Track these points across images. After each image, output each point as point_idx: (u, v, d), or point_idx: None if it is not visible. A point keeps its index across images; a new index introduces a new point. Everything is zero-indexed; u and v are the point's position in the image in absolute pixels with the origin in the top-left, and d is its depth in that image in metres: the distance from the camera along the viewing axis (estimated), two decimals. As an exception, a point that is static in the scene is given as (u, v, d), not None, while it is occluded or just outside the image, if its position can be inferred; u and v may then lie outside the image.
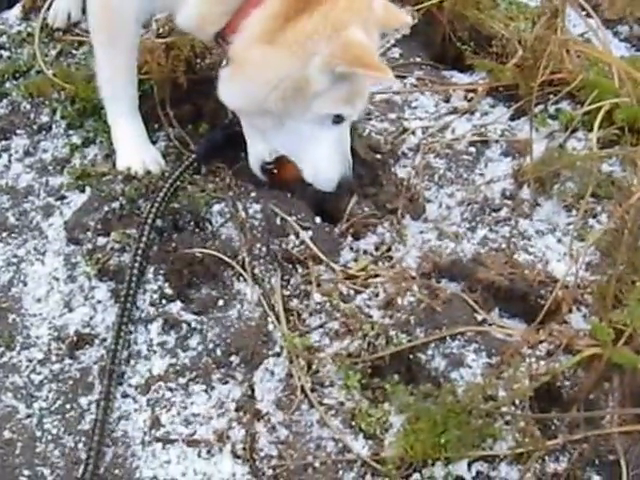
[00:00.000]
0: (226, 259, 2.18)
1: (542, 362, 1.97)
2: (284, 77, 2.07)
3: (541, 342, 2.00)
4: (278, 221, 2.24)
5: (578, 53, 2.57)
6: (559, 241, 2.25)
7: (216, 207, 2.27)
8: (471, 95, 2.64)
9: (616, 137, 2.47)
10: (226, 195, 2.28)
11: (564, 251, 2.21)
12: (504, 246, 2.22)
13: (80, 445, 1.95)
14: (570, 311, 2.07)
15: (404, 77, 2.67)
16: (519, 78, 2.53)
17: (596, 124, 2.42)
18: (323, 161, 2.21)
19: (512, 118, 2.56)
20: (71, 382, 2.06)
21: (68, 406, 2.02)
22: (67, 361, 2.10)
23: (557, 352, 1.98)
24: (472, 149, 2.46)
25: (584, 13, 3.44)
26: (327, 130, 2.18)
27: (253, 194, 2.28)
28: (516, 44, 2.65)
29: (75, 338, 2.13)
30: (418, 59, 2.76)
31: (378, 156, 2.44)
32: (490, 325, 2.08)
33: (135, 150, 2.44)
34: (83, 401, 2.05)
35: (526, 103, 2.50)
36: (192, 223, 2.27)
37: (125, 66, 2.41)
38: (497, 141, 2.48)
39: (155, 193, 2.26)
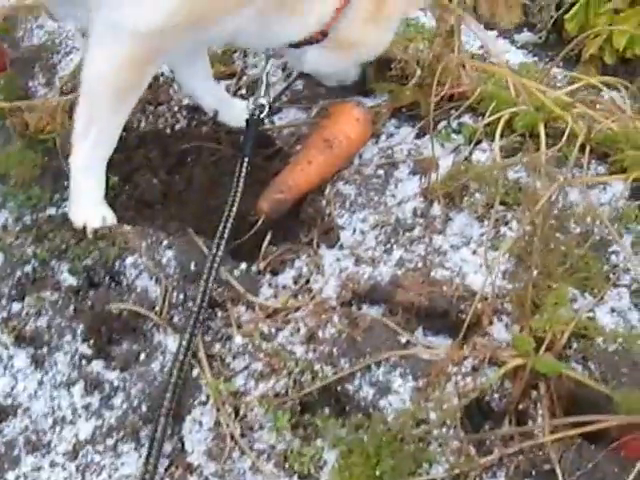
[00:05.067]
0: (143, 312, 2.01)
1: (469, 378, 1.83)
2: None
3: (465, 358, 1.86)
4: (192, 266, 2.07)
5: (474, 68, 2.43)
6: (474, 253, 2.11)
7: (129, 259, 2.09)
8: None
9: (519, 144, 2.36)
10: (137, 246, 2.11)
11: (480, 262, 2.07)
12: (421, 265, 2.08)
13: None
14: (491, 323, 1.93)
15: (309, 108, 2.52)
16: (419, 97, 2.40)
17: (497, 134, 2.30)
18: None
19: (417, 137, 2.42)
20: (-5, 458, 1.87)
21: (-7, 484, 1.83)
22: (-11, 436, 1.91)
23: (482, 366, 1.83)
24: (381, 172, 2.31)
25: (482, 26, 3.43)
26: None
27: (165, 242, 2.11)
28: (414, 65, 2.52)
29: (-4, 411, 1.94)
30: (322, 90, 2.59)
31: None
32: (414, 346, 1.94)
33: (95, 203, 2.21)
34: (10, 477, 1.85)
35: (429, 121, 2.37)
36: (107, 278, 2.10)
37: (123, 123, 2.17)
38: (404, 161, 2.34)
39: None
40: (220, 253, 2.02)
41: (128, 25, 1.97)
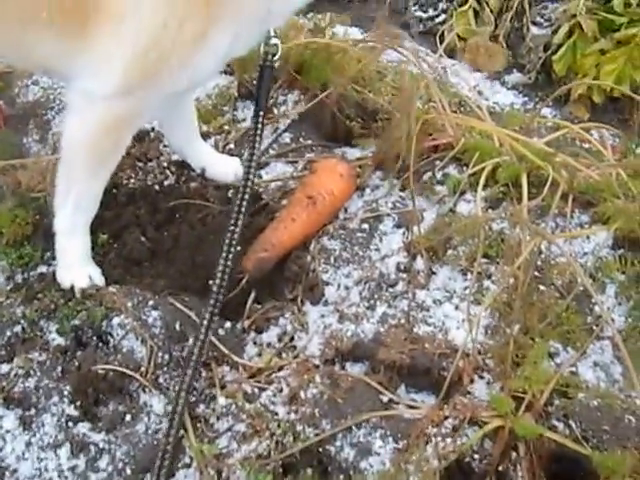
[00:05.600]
0: (129, 372, 2.01)
1: (449, 439, 1.82)
2: None
3: (446, 418, 1.85)
4: (178, 326, 2.08)
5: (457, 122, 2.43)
6: (456, 308, 2.11)
7: (115, 320, 2.09)
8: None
9: (502, 194, 2.36)
10: (124, 306, 2.11)
11: (462, 317, 2.07)
12: (403, 321, 2.07)
13: None
14: (472, 381, 1.93)
15: (295, 162, 2.53)
16: (403, 149, 2.41)
17: (480, 185, 2.31)
18: None
19: (402, 189, 2.42)
20: (-17, 522, 1.88)
21: None
22: (-23, 500, 1.92)
23: (462, 426, 1.83)
24: (365, 226, 2.32)
25: (472, 68, 3.44)
26: None
27: (151, 302, 2.11)
28: (399, 116, 2.51)
29: (-17, 474, 1.95)
30: (309, 141, 2.63)
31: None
32: (396, 404, 1.93)
33: (81, 264, 2.22)
34: (-3, 539, 1.86)
35: (415, 173, 2.37)
36: (94, 338, 2.11)
37: (103, 186, 2.16)
38: (389, 214, 2.34)
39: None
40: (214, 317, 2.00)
41: (94, 91, 1.98)
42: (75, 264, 2.21)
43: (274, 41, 2.23)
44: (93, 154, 2.07)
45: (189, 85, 2.09)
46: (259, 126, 2.21)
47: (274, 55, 2.25)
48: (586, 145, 2.72)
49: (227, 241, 2.04)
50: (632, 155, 2.76)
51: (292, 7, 2.12)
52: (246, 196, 2.09)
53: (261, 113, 2.23)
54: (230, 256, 2.03)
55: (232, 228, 2.08)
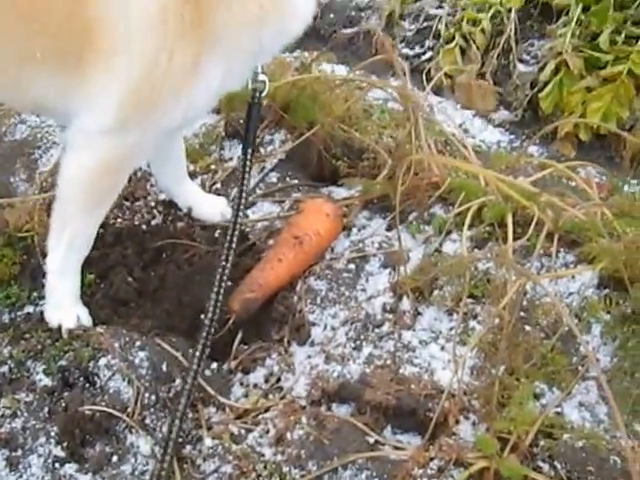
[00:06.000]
0: (116, 413, 2.04)
1: (435, 480, 1.86)
2: None
3: (432, 459, 1.89)
4: (164, 367, 2.11)
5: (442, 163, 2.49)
6: (442, 348, 2.15)
7: (102, 360, 2.12)
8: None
9: (488, 234, 2.42)
10: (111, 346, 2.15)
11: (448, 358, 2.11)
12: (389, 362, 2.12)
13: None
14: (457, 422, 1.97)
15: (282, 201, 2.58)
16: (390, 189, 2.47)
17: (466, 225, 2.36)
18: None
19: (389, 228, 2.48)
20: None
21: None
22: None
23: (448, 467, 1.86)
24: (352, 266, 2.37)
25: (459, 106, 3.52)
26: None
27: (138, 343, 2.15)
28: (385, 155, 2.59)
29: (-30, 517, 1.97)
30: (296, 180, 2.68)
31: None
32: (382, 445, 1.97)
33: (70, 304, 2.25)
34: None
35: (401, 213, 2.43)
36: (81, 379, 2.14)
37: (97, 226, 2.21)
38: (375, 255, 2.39)
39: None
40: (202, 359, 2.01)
41: (91, 128, 2.03)
42: (64, 304, 2.24)
43: (262, 78, 2.27)
44: (91, 193, 2.11)
45: (183, 121, 2.12)
46: (248, 163, 2.25)
47: (261, 92, 2.29)
48: (573, 183, 2.79)
49: (217, 283, 2.08)
50: (619, 193, 2.84)
51: (281, 43, 2.16)
52: (236, 232, 2.14)
53: (249, 151, 2.27)
54: (220, 297, 2.07)
55: (223, 264, 2.11)
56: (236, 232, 2.10)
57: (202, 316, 2.08)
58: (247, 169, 2.25)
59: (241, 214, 2.23)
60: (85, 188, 2.12)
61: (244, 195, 2.21)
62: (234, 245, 2.09)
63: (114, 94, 1.99)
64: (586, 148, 3.24)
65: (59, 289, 2.25)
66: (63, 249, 2.18)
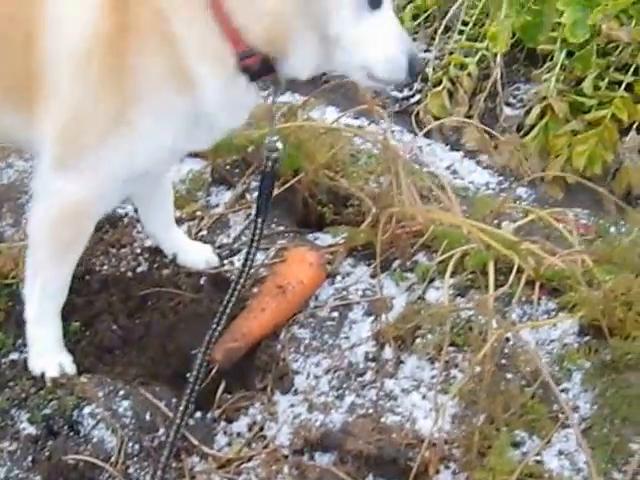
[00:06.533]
0: (99, 463, 2.09)
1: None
2: None
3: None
4: (148, 417, 2.17)
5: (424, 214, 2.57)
6: (424, 397, 2.21)
7: (86, 409, 2.18)
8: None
9: (470, 282, 2.49)
10: (95, 395, 2.20)
11: (429, 407, 2.18)
12: (371, 411, 2.18)
13: None
14: (438, 471, 2.03)
15: (267, 248, 2.65)
16: (373, 237, 2.54)
17: (448, 273, 2.42)
18: (382, 44, 2.07)
19: (372, 276, 2.55)
20: None
21: None
22: None
23: (428, 519, 1.92)
24: (335, 314, 2.44)
25: (448, 148, 3.61)
26: (371, 17, 2.05)
27: (122, 392, 2.21)
28: (369, 202, 2.66)
29: None
30: (282, 227, 2.75)
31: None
32: (364, 495, 2.03)
33: (52, 352, 2.30)
34: None
35: (385, 260, 2.50)
36: (65, 427, 2.19)
37: (70, 272, 2.26)
38: (358, 302, 2.46)
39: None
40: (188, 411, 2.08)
41: (45, 174, 2.12)
42: (46, 352, 2.30)
43: (277, 145, 2.29)
44: (56, 240, 2.18)
45: (131, 172, 2.12)
46: (257, 232, 2.30)
47: (275, 161, 2.30)
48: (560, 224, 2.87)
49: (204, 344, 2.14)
50: (604, 235, 2.91)
51: (236, 120, 2.18)
52: (232, 299, 2.20)
53: (259, 220, 2.31)
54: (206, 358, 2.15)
55: (213, 326, 2.18)
56: (233, 299, 2.16)
57: (187, 366, 2.16)
58: (256, 237, 2.29)
59: (244, 280, 2.25)
60: (49, 235, 2.19)
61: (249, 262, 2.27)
62: (228, 310, 2.17)
63: (50, 136, 2.08)
64: (573, 190, 3.32)
65: (39, 337, 2.30)
66: (36, 297, 2.25)
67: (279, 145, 2.29)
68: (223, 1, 1.99)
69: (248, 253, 2.29)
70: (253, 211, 2.76)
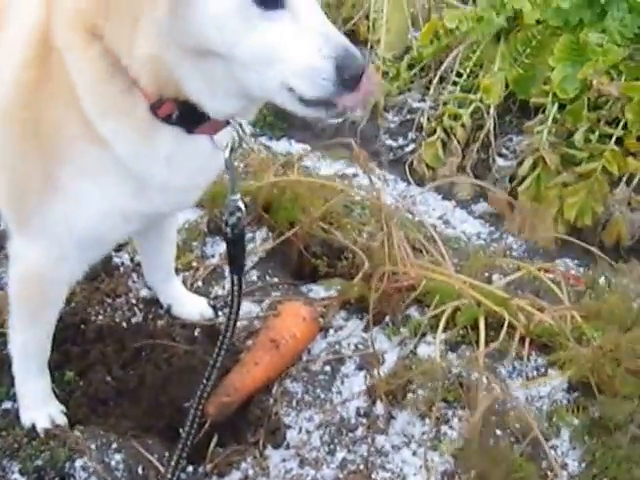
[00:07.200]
0: (90, 518, 2.13)
1: None
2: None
3: None
4: (140, 470, 2.20)
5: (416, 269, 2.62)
6: (414, 454, 2.26)
7: (79, 462, 2.21)
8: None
9: (461, 337, 2.54)
10: (87, 448, 2.24)
11: (420, 464, 2.22)
12: (362, 467, 2.22)
13: None
14: (425, 531, 2.07)
15: (261, 301, 2.70)
16: (366, 291, 2.59)
17: (440, 328, 2.48)
18: (295, 51, 1.66)
19: (365, 329, 2.59)
20: None
21: None
22: None
23: None
24: (327, 368, 2.48)
25: (440, 197, 3.67)
26: (270, 19, 1.67)
27: (114, 445, 2.24)
28: (362, 256, 2.72)
29: None
30: (276, 279, 2.80)
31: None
32: None
33: (41, 404, 2.34)
34: None
35: (377, 314, 2.56)
36: (57, 479, 2.23)
37: (49, 333, 2.25)
38: (351, 356, 2.51)
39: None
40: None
41: (13, 244, 2.12)
42: (35, 405, 2.33)
43: (239, 204, 2.02)
44: (24, 304, 2.19)
45: (81, 237, 2.01)
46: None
47: (236, 226, 2.04)
48: (551, 275, 2.92)
49: (196, 400, 2.15)
50: (594, 286, 2.97)
51: (193, 176, 1.99)
52: (220, 357, 2.18)
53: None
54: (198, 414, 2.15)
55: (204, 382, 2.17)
56: (220, 357, 2.15)
57: (180, 419, 2.19)
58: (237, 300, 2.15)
59: (231, 334, 2.20)
60: (19, 298, 2.20)
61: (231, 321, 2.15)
62: (218, 364, 2.15)
63: (2, 201, 2.08)
64: (565, 241, 3.38)
65: (28, 390, 2.34)
66: (17, 357, 2.29)
67: (240, 205, 2.03)
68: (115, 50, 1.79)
69: (230, 314, 2.16)
70: (247, 262, 2.84)
